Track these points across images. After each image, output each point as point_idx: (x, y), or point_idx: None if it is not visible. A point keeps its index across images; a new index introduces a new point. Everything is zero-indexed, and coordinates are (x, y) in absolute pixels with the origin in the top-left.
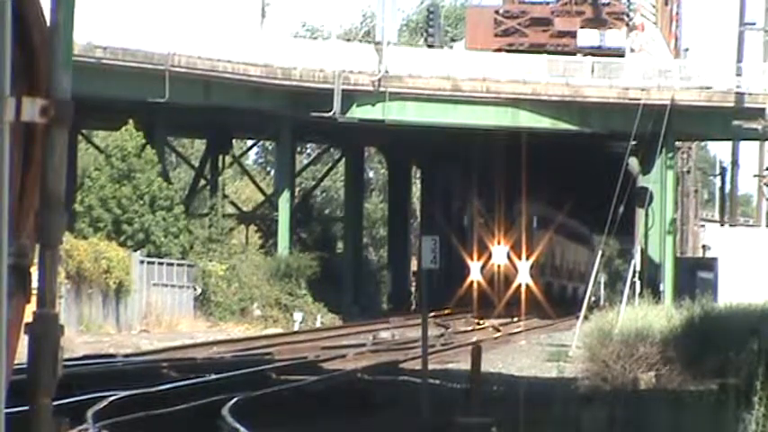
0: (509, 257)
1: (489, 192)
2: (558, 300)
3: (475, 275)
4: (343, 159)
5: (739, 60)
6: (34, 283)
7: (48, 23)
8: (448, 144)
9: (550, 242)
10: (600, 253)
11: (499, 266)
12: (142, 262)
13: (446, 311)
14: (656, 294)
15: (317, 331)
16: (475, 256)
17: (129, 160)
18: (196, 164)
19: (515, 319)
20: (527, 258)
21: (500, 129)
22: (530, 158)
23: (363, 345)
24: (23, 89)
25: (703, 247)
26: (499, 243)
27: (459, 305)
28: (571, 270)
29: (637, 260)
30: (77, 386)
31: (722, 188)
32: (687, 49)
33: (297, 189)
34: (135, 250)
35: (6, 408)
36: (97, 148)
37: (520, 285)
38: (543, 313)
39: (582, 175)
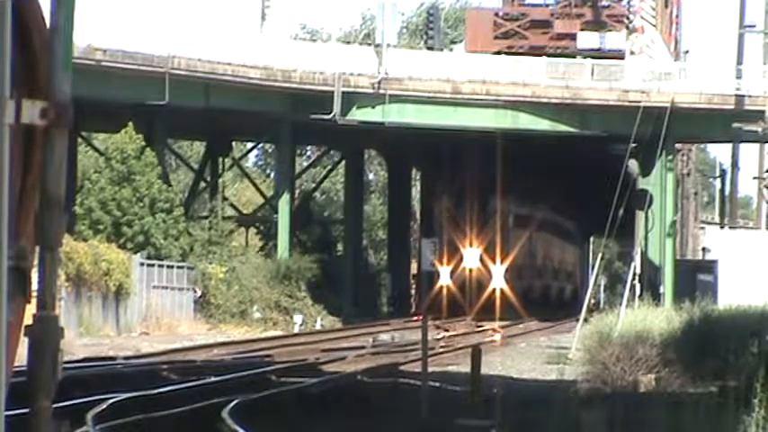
0: (482, 260)
1: (479, 193)
2: (543, 303)
3: (444, 280)
4: (343, 161)
5: (739, 63)
6: (34, 286)
7: (47, 25)
8: (445, 146)
9: (531, 242)
10: (600, 255)
11: (471, 270)
12: (142, 264)
13: (414, 318)
14: (656, 297)
15: (316, 333)
16: (445, 259)
17: (128, 162)
18: (196, 166)
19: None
20: (502, 262)
21: (500, 131)
22: (527, 160)
23: (363, 347)
24: (23, 91)
25: (703, 249)
26: (471, 245)
27: (429, 312)
28: (556, 270)
29: (636, 262)
30: (77, 388)
31: (722, 190)
32: (687, 52)
33: (297, 191)
34: (135, 252)
35: (6, 410)
36: (97, 150)
37: (494, 290)
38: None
39: (581, 178)
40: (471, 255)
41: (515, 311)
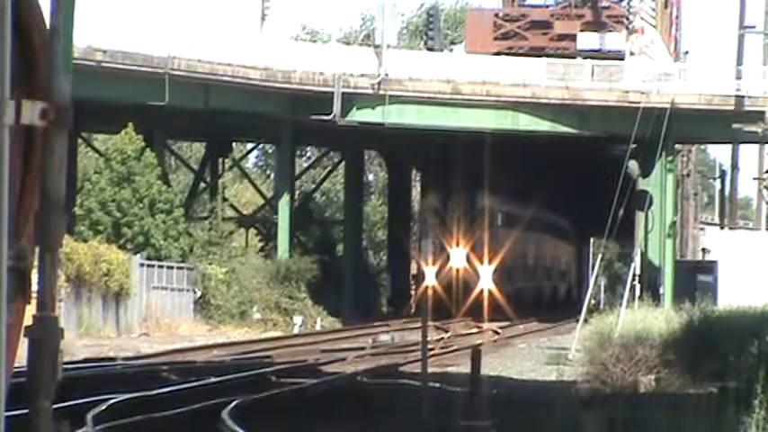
0: (469, 260)
1: (479, 193)
2: (535, 302)
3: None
4: (343, 162)
5: (739, 63)
6: (34, 287)
7: (48, 26)
8: (445, 147)
9: (525, 243)
10: (600, 256)
11: (458, 270)
12: (142, 265)
13: (402, 320)
14: (656, 297)
15: (316, 334)
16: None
17: (128, 163)
18: (196, 167)
19: (475, 330)
20: (490, 262)
21: (499, 132)
22: (527, 161)
23: (363, 348)
24: (23, 92)
25: (703, 250)
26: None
27: (418, 314)
28: (549, 269)
29: (636, 263)
30: (77, 389)
31: (722, 191)
32: (687, 53)
33: (297, 192)
34: (135, 253)
35: (6, 411)
36: (97, 151)
37: (482, 291)
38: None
39: (581, 179)
40: (461, 255)
41: (504, 312)
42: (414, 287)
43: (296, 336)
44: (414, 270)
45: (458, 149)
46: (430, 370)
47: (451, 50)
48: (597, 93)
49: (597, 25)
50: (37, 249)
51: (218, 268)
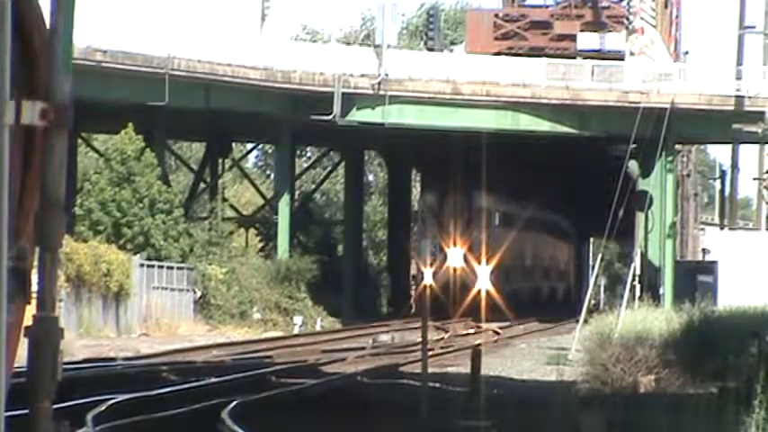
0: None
1: (478, 193)
2: (533, 303)
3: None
4: (343, 162)
5: (739, 63)
6: (34, 287)
7: (48, 26)
8: (445, 147)
9: (522, 243)
10: (600, 256)
11: (455, 270)
12: (142, 265)
13: (402, 320)
14: (656, 298)
15: (316, 334)
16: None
17: (128, 163)
18: (196, 167)
19: (473, 331)
20: (488, 262)
21: (499, 132)
22: (527, 162)
23: (363, 348)
24: (23, 92)
25: (703, 250)
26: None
27: (418, 314)
28: (548, 269)
29: (636, 264)
30: (77, 389)
31: (722, 191)
32: (687, 53)
33: (297, 192)
34: (135, 253)
35: (6, 411)
36: (97, 151)
37: (479, 291)
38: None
39: (581, 179)
40: (458, 255)
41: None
42: (414, 287)
43: (296, 336)
44: (414, 270)
45: (458, 150)
46: (430, 370)
47: (451, 50)
48: (597, 93)
49: (597, 25)
50: (37, 249)
51: (218, 268)
